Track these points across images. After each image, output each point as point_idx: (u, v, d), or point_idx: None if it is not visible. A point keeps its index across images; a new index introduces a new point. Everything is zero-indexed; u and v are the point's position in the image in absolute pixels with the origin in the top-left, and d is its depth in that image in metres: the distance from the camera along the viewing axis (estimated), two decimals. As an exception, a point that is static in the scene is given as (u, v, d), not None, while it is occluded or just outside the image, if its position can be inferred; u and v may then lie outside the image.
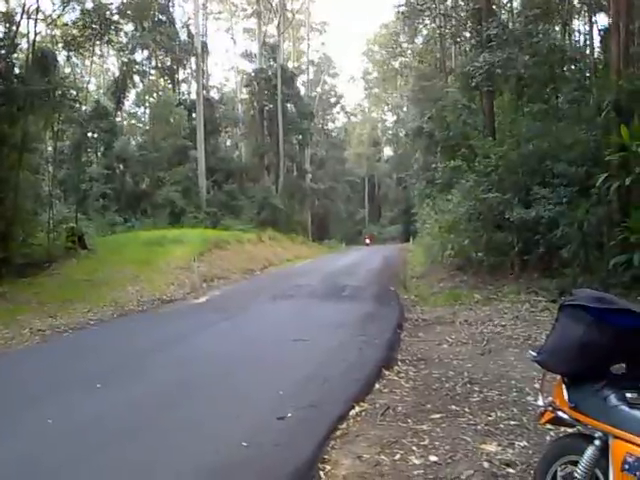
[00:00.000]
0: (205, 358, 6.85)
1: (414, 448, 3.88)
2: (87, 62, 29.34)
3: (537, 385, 4.65)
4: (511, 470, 3.47)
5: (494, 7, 16.90)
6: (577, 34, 19.55)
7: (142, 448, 4.00)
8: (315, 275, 17.16)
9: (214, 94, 45.16)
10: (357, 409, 4.75)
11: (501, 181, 12.41)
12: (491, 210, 12.44)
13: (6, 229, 14.02)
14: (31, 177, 16.79)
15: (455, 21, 21.06)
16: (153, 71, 37.73)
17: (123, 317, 10.65)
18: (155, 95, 36.97)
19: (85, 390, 5.39)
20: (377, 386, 5.47)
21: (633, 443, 2.03)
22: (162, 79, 39.47)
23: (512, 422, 4.30)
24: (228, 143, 47.81)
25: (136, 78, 36.95)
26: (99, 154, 32.61)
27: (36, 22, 16.03)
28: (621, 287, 8.48)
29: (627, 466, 2.03)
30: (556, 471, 2.51)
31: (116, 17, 20.19)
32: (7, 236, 13.97)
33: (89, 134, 29.53)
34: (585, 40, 18.43)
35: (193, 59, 37.56)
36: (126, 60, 34.90)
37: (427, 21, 24.67)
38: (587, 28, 17.84)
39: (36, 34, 16.51)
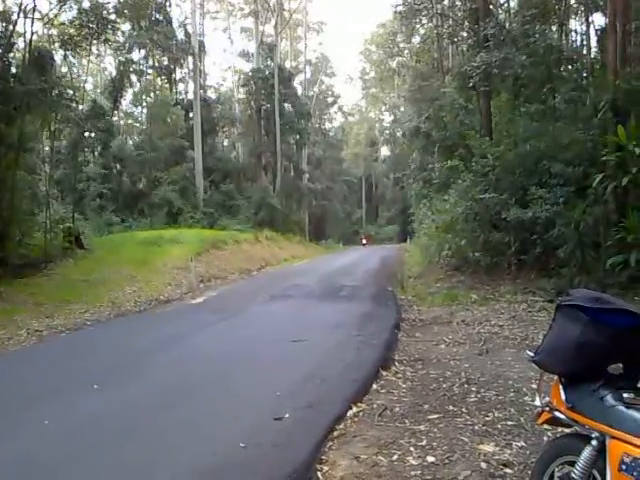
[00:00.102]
0: (203, 358, 6.83)
1: (411, 449, 3.88)
2: (84, 61, 29.20)
3: (534, 385, 4.69)
4: (508, 470, 3.47)
5: (491, 7, 16.97)
6: (574, 34, 19.69)
7: (139, 448, 4.00)
8: (312, 275, 17.15)
9: (211, 94, 45.26)
10: (355, 409, 4.75)
11: (498, 181, 12.43)
12: (488, 210, 12.43)
13: (3, 229, 13.96)
14: (28, 177, 16.71)
15: (452, 21, 21.11)
16: (150, 71, 37.62)
17: (120, 317, 10.64)
18: (152, 95, 36.89)
19: (82, 390, 5.38)
20: (374, 386, 5.46)
21: (630, 443, 2.03)
22: (159, 79, 39.39)
23: (509, 422, 4.30)
24: (225, 143, 47.81)
25: (133, 78, 36.85)
26: (96, 154, 32.60)
27: (33, 21, 15.98)
28: (618, 287, 8.50)
29: (624, 466, 2.03)
30: (553, 471, 2.50)
31: (113, 16, 20.21)
32: (4, 236, 13.92)
33: (86, 134, 29.40)
34: (582, 40, 18.55)
35: (190, 59, 37.58)
36: (123, 59, 34.81)
37: (424, 21, 24.70)
38: (584, 28, 17.97)
39: (33, 33, 16.45)
